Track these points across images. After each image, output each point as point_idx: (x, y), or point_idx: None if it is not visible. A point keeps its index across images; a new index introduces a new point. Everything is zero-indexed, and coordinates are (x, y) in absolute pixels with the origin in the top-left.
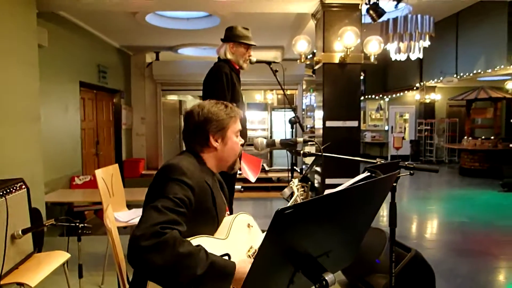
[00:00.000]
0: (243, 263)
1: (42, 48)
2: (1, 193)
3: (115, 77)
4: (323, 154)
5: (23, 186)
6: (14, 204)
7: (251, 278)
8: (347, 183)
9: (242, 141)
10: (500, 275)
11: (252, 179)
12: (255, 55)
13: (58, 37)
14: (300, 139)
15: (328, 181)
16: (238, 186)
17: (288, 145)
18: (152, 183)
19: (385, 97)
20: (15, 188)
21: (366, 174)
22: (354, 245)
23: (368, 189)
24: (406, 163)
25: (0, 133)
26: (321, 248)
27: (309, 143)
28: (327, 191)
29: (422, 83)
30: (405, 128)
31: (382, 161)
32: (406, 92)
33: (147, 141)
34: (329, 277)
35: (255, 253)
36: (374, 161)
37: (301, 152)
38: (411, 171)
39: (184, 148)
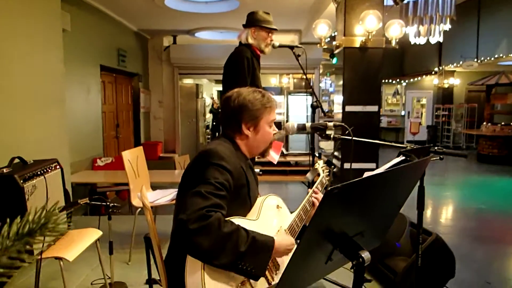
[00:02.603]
0: (280, 236)
1: (65, 32)
2: (40, 172)
3: (134, 61)
4: (353, 138)
5: (58, 166)
6: (51, 183)
7: (296, 256)
8: (383, 166)
9: (276, 130)
10: None
11: (275, 161)
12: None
13: (80, 21)
14: (330, 124)
15: (346, 165)
16: (257, 170)
17: (319, 129)
18: (191, 168)
19: (402, 81)
20: (51, 168)
21: (401, 158)
22: (385, 226)
23: (404, 172)
24: (436, 147)
25: (28, 115)
26: (357, 227)
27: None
28: (366, 173)
29: (441, 68)
30: (422, 113)
31: (413, 146)
32: (424, 76)
33: (164, 125)
34: (365, 254)
35: (285, 232)
36: (404, 145)
37: (332, 136)
38: (441, 156)
39: (199, 133)
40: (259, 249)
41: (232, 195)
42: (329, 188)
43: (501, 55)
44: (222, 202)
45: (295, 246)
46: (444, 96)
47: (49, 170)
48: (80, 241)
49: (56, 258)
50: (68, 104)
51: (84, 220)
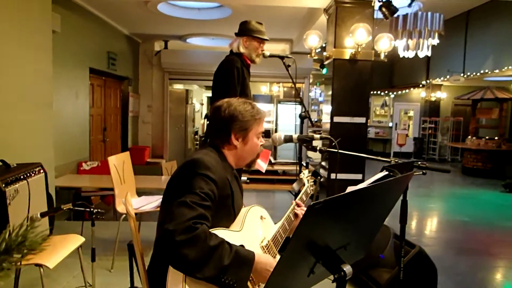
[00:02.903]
0: (263, 257)
1: (54, 33)
2: (23, 176)
3: (124, 64)
4: (339, 151)
5: (41, 171)
6: (34, 187)
7: (279, 268)
8: (367, 181)
9: (263, 142)
10: (498, 274)
11: (263, 169)
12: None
13: (70, 23)
14: (317, 136)
15: (333, 175)
16: (244, 178)
17: (305, 141)
18: (176, 176)
19: (390, 93)
20: (34, 172)
21: (384, 173)
22: (369, 239)
23: (387, 187)
24: (419, 162)
25: (14, 118)
26: (340, 241)
27: (321, 139)
28: (349, 188)
29: (428, 81)
30: (409, 125)
31: (397, 160)
32: (411, 89)
33: (153, 129)
34: (347, 268)
35: (268, 245)
36: (388, 159)
37: (318, 148)
38: (424, 171)
39: (187, 139)
40: (241, 263)
41: (216, 205)
42: (312, 203)
43: (487, 70)
44: (207, 213)
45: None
46: (431, 109)
47: (33, 174)
48: (62, 247)
49: (36, 265)
50: (56, 106)
51: (67, 225)
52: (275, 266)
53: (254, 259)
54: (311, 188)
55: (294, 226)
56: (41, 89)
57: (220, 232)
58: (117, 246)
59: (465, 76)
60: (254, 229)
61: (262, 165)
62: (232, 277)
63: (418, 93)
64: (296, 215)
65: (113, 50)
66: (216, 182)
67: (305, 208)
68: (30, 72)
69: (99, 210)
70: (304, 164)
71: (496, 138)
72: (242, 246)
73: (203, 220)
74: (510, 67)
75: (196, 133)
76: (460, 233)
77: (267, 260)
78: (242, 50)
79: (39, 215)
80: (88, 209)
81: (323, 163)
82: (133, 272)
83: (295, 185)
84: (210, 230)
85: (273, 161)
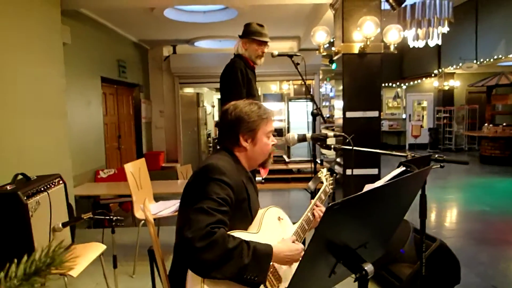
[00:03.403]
0: (280, 243)
1: (65, 45)
2: (43, 188)
3: (134, 72)
4: (353, 148)
5: (61, 181)
6: (54, 198)
7: (300, 270)
8: (384, 178)
9: (275, 141)
10: None
11: (263, 174)
12: (271, 46)
13: (79, 34)
14: (330, 134)
15: (348, 172)
16: (259, 178)
17: (319, 139)
18: (192, 183)
19: (402, 84)
20: (54, 183)
21: (401, 168)
22: (388, 236)
23: (405, 183)
24: (436, 155)
25: (31, 130)
26: (360, 240)
27: (335, 136)
28: (367, 186)
29: (440, 70)
30: (423, 116)
31: (413, 155)
32: (423, 79)
33: (166, 134)
34: (368, 267)
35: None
36: (404, 154)
37: (332, 146)
38: (442, 164)
39: (201, 142)
40: (260, 258)
41: (233, 209)
42: (330, 204)
43: (500, 56)
44: (225, 218)
45: (298, 251)
46: (445, 98)
47: (52, 186)
48: (84, 255)
49: (61, 274)
50: (70, 116)
51: (87, 233)
52: (296, 269)
53: (272, 252)
54: (330, 187)
55: (313, 226)
56: (55, 100)
57: (238, 234)
58: (137, 251)
59: (478, 62)
60: (272, 231)
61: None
62: (253, 273)
63: (431, 83)
64: (314, 215)
65: (123, 58)
66: (232, 187)
67: (323, 208)
68: (44, 85)
69: (118, 217)
70: (319, 162)
71: None
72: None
73: (221, 224)
74: None
75: (209, 135)
76: (479, 223)
77: (285, 247)
78: (241, 52)
79: (61, 226)
80: (107, 217)
81: (338, 160)
82: (154, 277)
83: (311, 184)
84: (230, 232)
85: (287, 159)
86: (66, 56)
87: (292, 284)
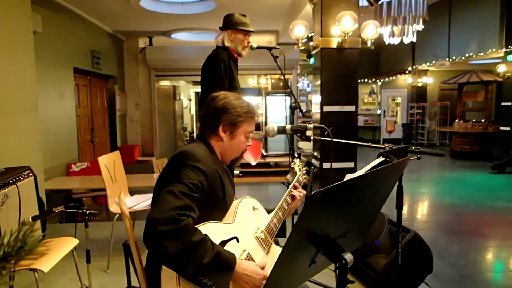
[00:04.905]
0: (245, 263)
1: (36, 34)
2: (12, 181)
3: (108, 63)
4: (333, 139)
5: (31, 174)
6: (24, 191)
7: (281, 260)
8: (364, 168)
9: (250, 143)
10: (489, 254)
11: (253, 162)
12: (250, 39)
13: (51, 23)
14: (310, 126)
15: (325, 165)
16: (236, 172)
17: (299, 131)
18: (166, 168)
19: (377, 81)
20: (23, 176)
21: (381, 159)
22: (367, 226)
23: (385, 173)
24: (413, 147)
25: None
26: (340, 229)
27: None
28: (348, 176)
29: (414, 67)
30: (397, 112)
31: (391, 146)
32: (398, 75)
33: (141, 127)
34: (347, 256)
35: (262, 235)
36: (382, 146)
37: (312, 138)
38: (419, 156)
39: (177, 135)
40: (221, 265)
41: (206, 197)
42: (312, 193)
43: (471, 54)
44: (194, 204)
45: (260, 277)
46: (418, 95)
47: (22, 178)
48: (56, 250)
49: (31, 269)
50: (41, 108)
51: (59, 228)
52: (276, 259)
53: (235, 263)
54: (304, 177)
55: (290, 211)
56: (25, 91)
57: (212, 225)
58: (112, 246)
59: (450, 60)
60: (247, 220)
61: (251, 157)
62: (210, 279)
63: (405, 80)
64: (293, 197)
65: (97, 48)
66: (205, 174)
67: (302, 190)
68: (13, 75)
69: (92, 211)
70: (296, 155)
71: (482, 120)
72: (235, 238)
73: (189, 211)
74: (493, 50)
75: (185, 129)
76: (451, 216)
77: (248, 266)
78: (227, 43)
79: (30, 219)
80: (80, 211)
81: (315, 153)
82: (129, 272)
83: (289, 176)
84: (201, 224)
85: (264, 153)
86: (37, 46)
87: (273, 274)
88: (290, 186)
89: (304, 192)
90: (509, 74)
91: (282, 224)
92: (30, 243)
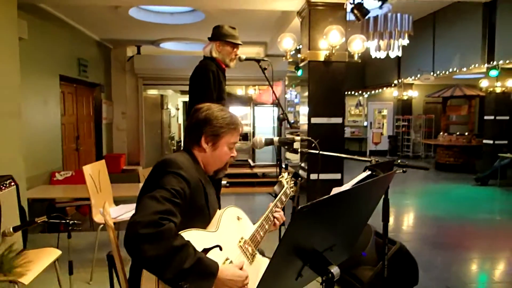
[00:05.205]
0: (226, 268)
1: (21, 40)
2: None
3: (95, 71)
4: (320, 152)
5: (12, 183)
6: (5, 201)
7: (267, 274)
8: (351, 182)
9: (235, 154)
10: (473, 265)
11: None
12: (239, 51)
13: (37, 30)
14: (297, 138)
15: (312, 176)
16: (223, 182)
17: (286, 143)
18: (149, 176)
19: (364, 93)
20: (4, 185)
21: (367, 173)
22: (354, 239)
23: (371, 186)
24: (399, 161)
25: None
26: (326, 243)
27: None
28: (334, 189)
29: (400, 80)
30: (383, 124)
31: (377, 160)
32: (384, 88)
33: (128, 136)
34: (334, 269)
35: (245, 244)
36: (368, 159)
37: (299, 150)
38: (404, 169)
39: (164, 145)
40: (203, 271)
41: (188, 205)
42: (300, 207)
43: (455, 69)
44: (176, 210)
45: (242, 279)
46: (404, 108)
47: (3, 188)
48: (37, 262)
49: (11, 281)
50: (25, 115)
51: (41, 238)
52: (264, 272)
53: (216, 272)
54: (291, 189)
55: (272, 229)
56: (8, 98)
57: (195, 233)
58: (95, 257)
59: (434, 74)
60: (231, 229)
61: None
62: (191, 285)
63: (391, 92)
64: (274, 217)
65: (84, 56)
66: (188, 181)
67: (281, 211)
68: None
69: (75, 221)
70: (284, 166)
71: (466, 133)
72: (218, 246)
73: (171, 216)
74: (476, 65)
75: (172, 138)
76: (435, 228)
77: (230, 271)
78: (215, 54)
79: (11, 230)
80: (63, 221)
81: (303, 164)
82: (113, 283)
83: (276, 187)
84: (185, 230)
85: (252, 164)
86: (22, 52)
87: (259, 287)
88: (277, 198)
89: (284, 218)
90: (491, 89)
91: None
92: (8, 265)
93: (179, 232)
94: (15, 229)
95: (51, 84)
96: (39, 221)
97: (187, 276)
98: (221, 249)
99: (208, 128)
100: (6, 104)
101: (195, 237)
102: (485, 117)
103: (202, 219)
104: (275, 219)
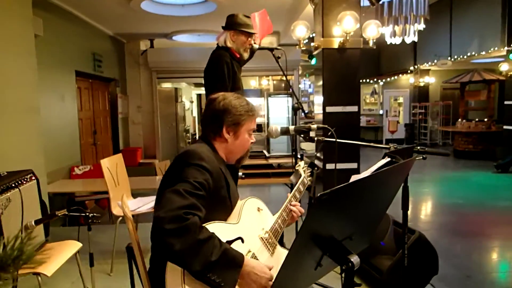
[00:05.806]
0: (252, 260)
1: (37, 37)
2: (14, 184)
3: (110, 66)
4: (337, 140)
5: (33, 177)
6: (26, 195)
7: (286, 264)
8: (370, 169)
9: (254, 140)
10: (494, 254)
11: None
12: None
13: (52, 26)
14: (314, 126)
15: (328, 166)
16: (239, 173)
17: (303, 131)
18: (170, 168)
19: (379, 81)
20: (26, 179)
21: (386, 159)
22: (373, 227)
23: (391, 173)
24: (418, 147)
25: (0, 125)
26: (346, 231)
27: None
28: (353, 177)
29: (416, 67)
30: (399, 112)
31: (396, 146)
32: (400, 75)
33: (143, 130)
34: (354, 258)
35: (267, 236)
36: (387, 146)
37: (316, 138)
38: (424, 156)
39: (179, 137)
40: (229, 262)
41: (212, 196)
42: (319, 195)
43: (473, 53)
44: (200, 203)
45: (267, 277)
46: (420, 95)
47: (24, 182)
48: (59, 254)
49: (34, 273)
50: (43, 111)
51: (62, 231)
52: (283, 262)
53: (243, 260)
54: (308, 179)
55: (290, 221)
56: (27, 94)
57: (217, 225)
58: (115, 249)
59: (452, 59)
60: (252, 221)
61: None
62: (219, 275)
63: (407, 79)
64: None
65: (98, 51)
66: (210, 172)
67: (297, 204)
68: (14, 78)
69: (94, 214)
70: (299, 156)
71: (485, 119)
72: (240, 238)
73: (195, 210)
74: (495, 49)
75: (187, 131)
76: (454, 216)
77: (256, 264)
78: (229, 44)
79: (33, 223)
80: (83, 214)
81: (318, 154)
82: (133, 275)
83: (292, 178)
84: (207, 223)
85: (267, 155)
86: (38, 49)
87: (279, 277)
88: (295, 188)
89: (302, 210)
90: (511, 73)
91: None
92: (28, 252)
93: (203, 225)
94: (37, 222)
95: (67, 80)
96: (59, 214)
97: (214, 268)
98: (243, 241)
99: (228, 118)
100: (25, 100)
101: (218, 230)
102: (506, 102)
103: (224, 209)
104: (292, 212)
